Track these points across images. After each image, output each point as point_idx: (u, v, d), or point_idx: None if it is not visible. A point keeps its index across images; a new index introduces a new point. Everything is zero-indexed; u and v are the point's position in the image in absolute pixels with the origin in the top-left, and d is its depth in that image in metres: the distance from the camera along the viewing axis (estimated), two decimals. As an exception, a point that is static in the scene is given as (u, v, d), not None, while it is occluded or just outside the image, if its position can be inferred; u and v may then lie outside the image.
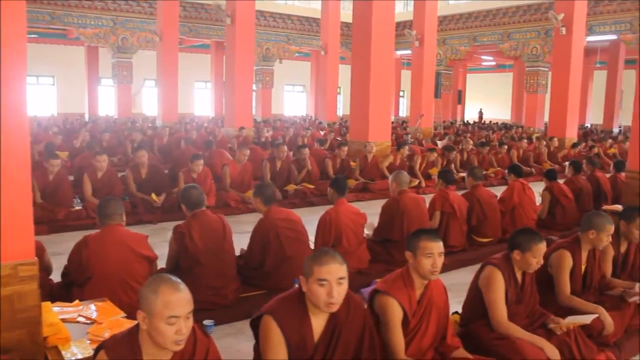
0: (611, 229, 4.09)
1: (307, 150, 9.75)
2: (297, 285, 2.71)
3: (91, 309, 3.34)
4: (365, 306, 3.10)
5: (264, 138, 14.37)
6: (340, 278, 2.57)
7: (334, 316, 2.67)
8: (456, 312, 3.91)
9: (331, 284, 2.54)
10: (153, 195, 7.74)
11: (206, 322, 4.10)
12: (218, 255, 4.43)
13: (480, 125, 26.95)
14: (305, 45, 26.50)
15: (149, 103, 28.81)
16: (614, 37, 20.58)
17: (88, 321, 3.17)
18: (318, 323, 2.67)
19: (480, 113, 32.53)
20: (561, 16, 15.73)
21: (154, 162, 8.89)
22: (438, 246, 3.05)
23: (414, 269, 3.06)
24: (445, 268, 5.69)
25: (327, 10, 21.73)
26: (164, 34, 18.59)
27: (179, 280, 2.30)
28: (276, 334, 2.57)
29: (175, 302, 2.21)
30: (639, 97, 7.50)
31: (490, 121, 30.81)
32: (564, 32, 16.19)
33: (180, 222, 4.56)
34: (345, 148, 10.50)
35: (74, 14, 20.37)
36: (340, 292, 2.57)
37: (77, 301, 3.48)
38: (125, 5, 21.31)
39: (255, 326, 2.70)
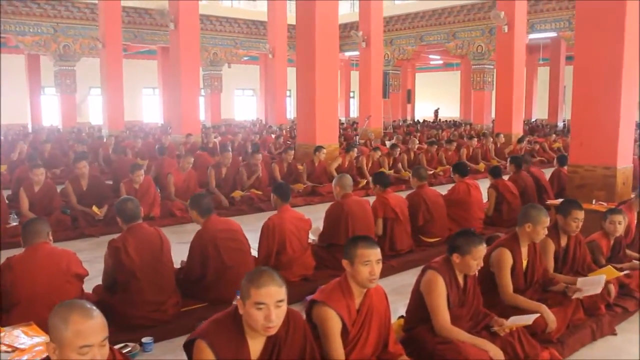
0: (547, 221, 4.10)
1: (260, 156, 9.65)
2: (238, 297, 2.56)
3: (14, 334, 3.14)
4: (304, 316, 3.02)
5: (211, 144, 14.14)
6: (279, 301, 2.44)
7: (272, 336, 2.55)
8: (402, 316, 3.86)
9: (269, 307, 2.41)
10: (94, 208, 7.49)
11: (145, 339, 3.96)
12: (156, 270, 4.26)
13: (430, 124, 27.23)
14: (253, 49, 26.32)
15: (95, 112, 28.11)
16: (554, 34, 21.11)
17: (9, 349, 2.98)
18: (256, 345, 2.55)
19: (436, 112, 32.87)
20: (502, 14, 16.01)
21: (95, 173, 8.61)
22: (375, 253, 2.98)
23: (352, 277, 2.98)
24: (393, 270, 5.72)
25: (273, 13, 21.60)
26: (106, 40, 18.14)
27: (90, 305, 2.15)
28: (209, 358, 2.44)
29: (87, 330, 2.06)
30: (576, 92, 7.62)
31: (444, 120, 31.17)
32: (506, 30, 16.50)
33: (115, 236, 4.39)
34: (292, 152, 10.40)
35: (11, 21, 19.62)
36: (279, 314, 2.45)
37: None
38: (65, 12, 20.69)
39: (190, 349, 2.56)
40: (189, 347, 2.56)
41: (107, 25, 18.14)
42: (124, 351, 3.73)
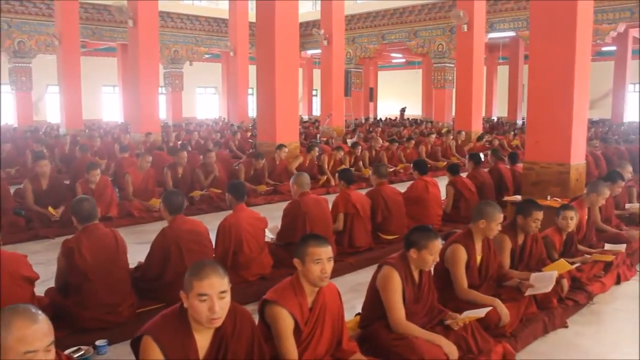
0: (500, 217, 4.18)
1: (213, 154, 9.54)
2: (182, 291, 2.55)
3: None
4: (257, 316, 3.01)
5: (172, 143, 13.97)
6: (222, 292, 2.45)
7: (219, 331, 2.55)
8: (359, 314, 3.88)
9: (212, 298, 2.42)
10: (50, 209, 7.33)
11: (99, 342, 3.90)
12: (110, 271, 4.18)
13: (392, 121, 27.41)
14: (215, 46, 26.11)
15: (53, 110, 27.49)
16: (513, 34, 21.47)
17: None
18: (203, 340, 2.54)
19: (402, 111, 33.09)
20: (462, 13, 16.22)
21: (54, 174, 8.42)
22: (327, 251, 2.98)
23: (304, 275, 2.98)
24: (352, 267, 5.75)
25: (234, 11, 21.45)
26: (63, 36, 17.71)
27: (35, 309, 2.10)
28: (156, 355, 2.42)
29: (31, 335, 2.01)
30: (531, 92, 7.77)
31: (407, 118, 31.40)
32: (465, 30, 16.76)
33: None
34: (262, 161, 9.95)
35: (-38, 17, 19.08)
36: (222, 306, 2.45)
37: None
38: (20, 7, 20.14)
39: (137, 347, 2.53)
40: (136, 345, 2.54)
41: (63, 22, 17.71)
42: (77, 355, 3.67)
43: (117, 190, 8.48)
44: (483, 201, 4.51)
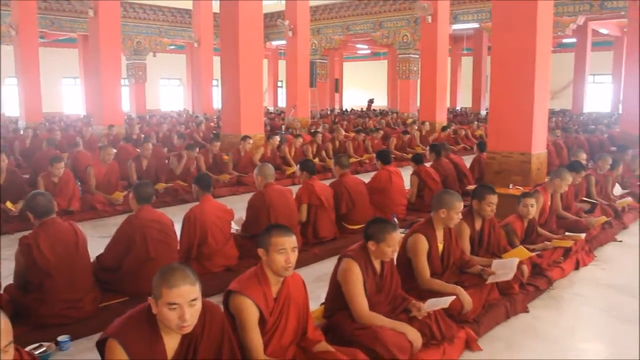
0: (460, 206, 4.24)
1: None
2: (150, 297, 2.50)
3: None
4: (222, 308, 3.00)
5: (135, 135, 13.78)
6: (193, 300, 2.38)
7: (188, 333, 2.48)
8: (324, 303, 3.89)
9: (182, 307, 2.35)
10: (8, 204, 7.17)
11: (61, 338, 3.84)
12: (70, 266, 4.11)
13: (358, 112, 27.49)
14: (179, 37, 25.77)
15: (10, 103, 26.79)
16: (476, 25, 21.70)
17: None
18: (171, 341, 2.49)
19: (370, 102, 33.19)
20: (426, 4, 16.34)
21: (12, 168, 8.22)
22: (291, 241, 2.97)
23: (268, 266, 2.97)
24: (317, 258, 5.77)
25: (198, 1, 21.23)
26: (20, 27, 17.20)
27: None
28: (121, 358, 2.37)
29: None
30: (493, 82, 7.87)
31: (374, 109, 31.49)
32: (429, 21, 16.89)
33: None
34: (218, 143, 10.25)
35: None
36: (193, 313, 2.39)
37: None
38: (-27, -4, 19.58)
39: (102, 348, 2.47)
40: (101, 346, 2.47)
41: (20, 11, 17.19)
42: (38, 352, 3.60)
43: (79, 183, 8.34)
44: (443, 190, 4.56)
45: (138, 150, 9.80)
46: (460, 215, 4.27)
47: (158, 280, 2.39)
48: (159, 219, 4.74)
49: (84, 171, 8.51)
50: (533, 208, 5.36)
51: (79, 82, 27.27)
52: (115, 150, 8.80)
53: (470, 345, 3.73)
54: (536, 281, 4.80)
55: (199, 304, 2.42)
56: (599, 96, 30.07)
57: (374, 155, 11.97)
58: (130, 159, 9.05)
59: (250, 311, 2.88)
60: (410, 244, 4.17)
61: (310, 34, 20.80)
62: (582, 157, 7.96)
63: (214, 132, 13.94)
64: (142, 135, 14.25)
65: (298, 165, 6.53)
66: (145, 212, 4.66)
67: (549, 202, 6.03)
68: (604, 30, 24.69)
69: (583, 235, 5.78)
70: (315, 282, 5.03)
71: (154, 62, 27.07)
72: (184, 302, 2.35)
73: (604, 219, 6.54)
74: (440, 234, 4.27)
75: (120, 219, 4.80)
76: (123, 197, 7.84)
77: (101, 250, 4.81)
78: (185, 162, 9.30)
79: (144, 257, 4.50)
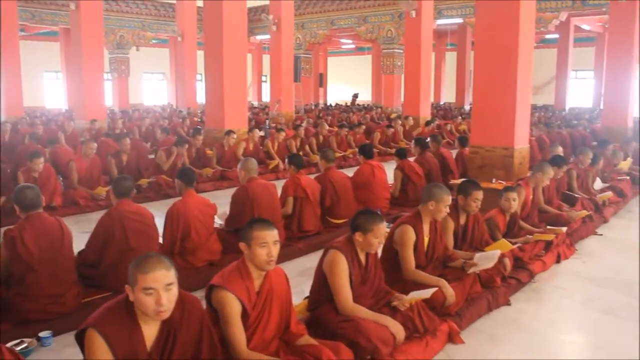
0: (449, 199, 4.28)
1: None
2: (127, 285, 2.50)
3: None
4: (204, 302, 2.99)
5: (118, 130, 13.66)
6: (168, 284, 2.40)
7: (167, 320, 2.51)
8: (308, 297, 3.90)
9: (158, 292, 2.37)
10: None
11: (42, 334, 3.81)
12: (55, 261, 4.08)
13: (342, 107, 27.51)
14: (162, 31, 25.59)
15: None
16: (460, 20, 21.77)
17: None
18: (150, 330, 2.50)
19: (355, 97, 33.22)
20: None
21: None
22: (272, 235, 2.97)
23: (250, 260, 2.97)
24: (301, 252, 5.78)
25: (182, -5, 21.09)
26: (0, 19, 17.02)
27: None
28: (102, 349, 2.37)
29: None
30: (477, 78, 7.91)
31: (359, 104, 31.52)
32: (414, 16, 16.93)
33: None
34: (200, 137, 10.22)
35: None
36: (169, 298, 2.41)
37: None
38: (-48, -12, 19.25)
39: (82, 340, 2.47)
40: (80, 338, 2.48)
41: (1, 4, 17.00)
42: (19, 347, 3.58)
43: (61, 179, 8.27)
44: (432, 183, 4.60)
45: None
46: (448, 209, 4.31)
47: (133, 268, 2.42)
48: (138, 211, 4.74)
49: (65, 166, 8.43)
50: (515, 202, 5.41)
51: (61, 76, 27.00)
52: (96, 145, 8.72)
53: (452, 338, 3.76)
54: (518, 274, 4.85)
55: (175, 289, 2.45)
56: (581, 92, 30.34)
57: (357, 149, 12.07)
58: (109, 154, 8.97)
59: (232, 305, 2.88)
60: (398, 234, 4.19)
61: (295, 28, 20.74)
62: (559, 151, 8.06)
63: (197, 126, 13.86)
64: (125, 130, 14.14)
65: (286, 159, 6.53)
66: (124, 204, 4.66)
67: (531, 196, 6.08)
68: (586, 27, 24.90)
69: (564, 229, 5.84)
70: (299, 277, 5.03)
71: (137, 56, 26.85)
72: (159, 287, 2.38)
73: (584, 212, 6.61)
74: (426, 227, 4.30)
75: (102, 214, 4.77)
76: (106, 192, 7.78)
77: (84, 246, 4.79)
78: (175, 157, 9.25)
79: (124, 247, 4.48)
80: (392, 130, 14.22)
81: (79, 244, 4.77)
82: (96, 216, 7.19)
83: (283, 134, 11.46)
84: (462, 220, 4.88)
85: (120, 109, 22.68)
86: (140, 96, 31.83)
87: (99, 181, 8.28)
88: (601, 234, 6.67)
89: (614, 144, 9.85)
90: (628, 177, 9.03)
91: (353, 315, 3.39)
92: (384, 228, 3.54)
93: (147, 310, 2.40)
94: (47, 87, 29.98)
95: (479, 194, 4.76)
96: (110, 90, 23.86)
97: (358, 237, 3.52)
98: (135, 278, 2.39)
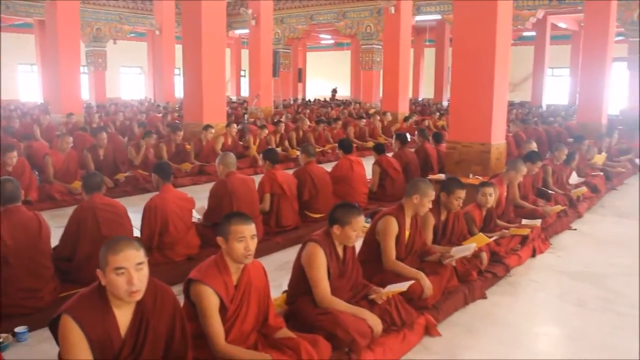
0: (432, 194, 4.33)
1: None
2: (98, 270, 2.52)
3: None
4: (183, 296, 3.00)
5: (95, 124, 13.51)
6: (139, 263, 2.45)
7: (140, 306, 2.55)
8: (286, 291, 3.91)
9: (130, 271, 2.41)
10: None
11: (18, 329, 3.78)
12: (31, 256, 4.04)
13: (321, 102, 27.52)
14: (140, 24, 25.30)
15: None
16: (438, 17, 21.86)
17: None
18: (123, 316, 2.53)
19: (334, 92, 33.21)
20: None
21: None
22: (250, 229, 2.98)
23: (228, 254, 2.98)
24: (279, 246, 5.79)
25: (159, -12, 20.88)
26: (-27, 12, 16.77)
27: None
28: (75, 333, 2.39)
29: None
30: (455, 74, 7.98)
31: (338, 99, 31.54)
32: (393, 12, 16.98)
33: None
34: (181, 133, 10.14)
35: None
36: (141, 278, 2.45)
37: None
38: None
39: (55, 328, 2.48)
40: (54, 326, 2.49)
41: (-27, -4, 16.76)
42: (-6, 343, 3.55)
43: (36, 173, 8.17)
44: (418, 178, 4.66)
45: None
46: (431, 204, 4.35)
47: (104, 251, 2.46)
48: (110, 203, 4.74)
49: (41, 160, 8.33)
50: (492, 197, 5.48)
51: (36, 69, 26.58)
52: (72, 139, 8.63)
53: (429, 330, 3.80)
54: (494, 268, 4.92)
55: (145, 270, 2.49)
56: (557, 89, 30.70)
57: (336, 144, 12.08)
58: (85, 149, 8.87)
59: (210, 299, 2.89)
60: (381, 225, 4.23)
61: (274, 23, 20.70)
62: (533, 147, 8.18)
63: (174, 122, 13.76)
64: (102, 124, 14.00)
65: (261, 155, 6.52)
66: (96, 198, 4.63)
67: (505, 194, 6.16)
68: (562, 25, 25.17)
69: (539, 222, 5.93)
70: (278, 271, 5.05)
71: (114, 50, 26.53)
72: (130, 266, 2.42)
73: (559, 207, 6.72)
74: (408, 221, 4.34)
75: (79, 209, 4.73)
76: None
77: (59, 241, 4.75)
78: (144, 150, 9.19)
79: (97, 237, 4.43)
80: (364, 121, 14.21)
81: (55, 238, 4.72)
82: (72, 211, 7.18)
83: (266, 131, 11.43)
84: (443, 217, 4.93)
85: (97, 103, 22.40)
86: (118, 90, 31.50)
87: (76, 175, 8.18)
88: (575, 229, 6.77)
89: (588, 140, 10.00)
90: (602, 173, 9.20)
91: (331, 308, 3.41)
92: (361, 221, 3.57)
93: (119, 292, 2.43)
94: (21, 80, 29.49)
95: (462, 193, 4.81)
96: (87, 83, 23.58)
97: (336, 230, 3.54)
98: (106, 259, 2.42)
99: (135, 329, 2.54)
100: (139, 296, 2.46)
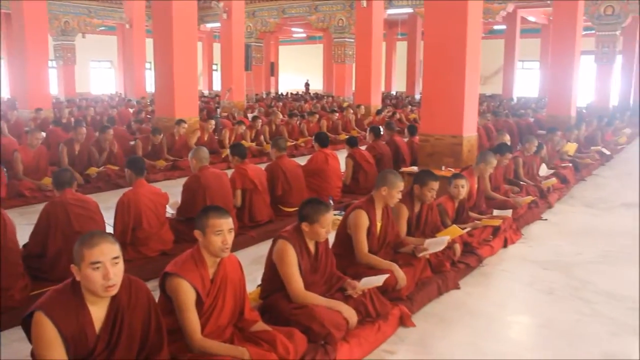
0: (401, 185, 4.35)
1: (111, 132, 9.20)
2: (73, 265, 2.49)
3: None
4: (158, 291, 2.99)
5: (65, 119, 13.32)
6: (115, 257, 2.43)
7: (115, 302, 2.52)
8: (260, 285, 3.91)
9: (105, 265, 2.39)
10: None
11: (-13, 328, 3.72)
12: (-3, 254, 3.98)
13: (293, 96, 27.49)
14: (109, 18, 24.92)
15: None
16: (410, 10, 21.95)
17: None
18: (98, 312, 2.50)
19: (307, 85, 33.15)
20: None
21: None
22: (227, 222, 2.99)
23: (205, 247, 2.98)
24: (253, 240, 5.78)
25: (129, -19, 20.61)
26: None
27: None
28: (49, 330, 2.36)
29: None
30: (426, 67, 8.04)
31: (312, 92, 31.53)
32: (365, 5, 17.02)
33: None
34: (160, 136, 9.72)
35: None
36: (117, 272, 2.43)
37: None
38: None
39: (28, 326, 2.44)
40: (27, 324, 2.45)
41: None
42: (-36, 342, 3.49)
43: (5, 169, 8.01)
44: (386, 170, 4.65)
45: (69, 134, 9.47)
46: (400, 195, 4.38)
47: (79, 246, 2.43)
48: (82, 199, 4.68)
49: (9, 156, 8.17)
50: (464, 189, 5.54)
51: (2, 63, 26.02)
52: (43, 134, 8.48)
53: (404, 321, 3.84)
54: (467, 259, 4.98)
55: (121, 264, 2.47)
56: (528, 81, 31.12)
57: (309, 138, 12.10)
58: (61, 143, 8.73)
59: (187, 293, 2.88)
60: (352, 219, 4.25)
61: (246, 16, 20.59)
62: (506, 139, 8.29)
63: (137, 119, 13.58)
64: (72, 119, 13.80)
65: (228, 150, 6.48)
66: (67, 194, 4.57)
67: (476, 186, 6.23)
68: (531, 18, 25.50)
69: (510, 212, 6.02)
70: (252, 265, 5.05)
71: (83, 44, 26.12)
72: (106, 260, 2.40)
73: (530, 198, 6.82)
74: (379, 213, 4.37)
75: (50, 206, 4.66)
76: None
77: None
78: (108, 145, 9.06)
79: (69, 232, 4.37)
80: (336, 115, 14.27)
81: (25, 236, 4.66)
82: (42, 207, 7.07)
83: (243, 127, 11.37)
84: (417, 209, 4.96)
85: (67, 98, 22.04)
86: (88, 85, 31.09)
87: (46, 171, 8.05)
88: (546, 219, 6.89)
89: (559, 131, 10.17)
90: (571, 165, 9.36)
91: (306, 303, 3.42)
92: (330, 218, 3.57)
93: (95, 287, 2.40)
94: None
95: (435, 185, 4.84)
96: (55, 78, 23.19)
97: (305, 227, 3.55)
98: (82, 254, 2.39)
99: (110, 325, 2.52)
100: (114, 290, 2.45)
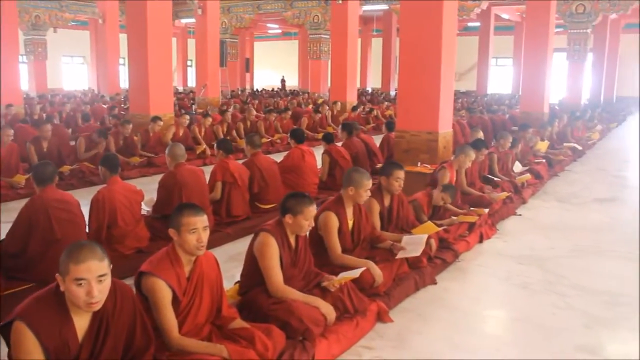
0: (369, 184, 4.33)
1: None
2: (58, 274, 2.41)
3: None
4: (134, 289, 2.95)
5: (36, 115, 13.09)
6: (101, 276, 2.34)
7: (100, 310, 2.44)
8: (239, 282, 3.90)
9: (90, 283, 2.31)
10: None
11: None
12: (-30, 252, 3.91)
13: (269, 92, 27.41)
14: (82, 12, 24.50)
15: None
16: (385, 7, 22.01)
17: None
18: (82, 321, 2.43)
19: (283, 81, 33.05)
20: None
21: None
22: (202, 220, 2.96)
23: (180, 246, 2.95)
24: (230, 237, 5.76)
25: (102, -25, 20.30)
26: None
27: None
28: (29, 340, 2.29)
29: None
30: (402, 64, 8.07)
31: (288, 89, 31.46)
32: (340, 2, 17.02)
33: None
34: (130, 126, 9.80)
35: None
36: (101, 290, 2.35)
37: None
38: None
39: (7, 333, 2.37)
40: (6, 331, 2.37)
41: None
42: None
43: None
44: (353, 168, 4.63)
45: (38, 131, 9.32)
46: (368, 193, 4.37)
47: (65, 257, 2.34)
48: (64, 199, 4.57)
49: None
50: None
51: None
52: (13, 131, 8.33)
53: (381, 317, 3.85)
54: (443, 254, 5.01)
55: (108, 281, 2.39)
56: (501, 78, 31.45)
57: (285, 134, 12.06)
58: (28, 141, 8.59)
59: (163, 292, 2.85)
60: (321, 221, 4.23)
61: (221, 12, 20.45)
62: (480, 135, 8.37)
63: (120, 113, 13.44)
64: (44, 115, 13.58)
65: (214, 144, 6.45)
66: (48, 192, 4.48)
67: (455, 178, 6.28)
68: (505, 16, 25.78)
69: (486, 210, 6.08)
70: (229, 262, 5.02)
71: (55, 38, 25.69)
72: (91, 278, 2.31)
73: (505, 194, 6.90)
74: (350, 211, 4.37)
75: (23, 203, 4.57)
76: (25, 180, 7.45)
77: (3, 237, 4.59)
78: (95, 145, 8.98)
79: (49, 238, 4.32)
80: (319, 115, 14.27)
81: (-3, 233, 4.59)
82: (16, 205, 6.90)
83: (209, 119, 11.32)
84: (387, 202, 4.95)
85: (38, 94, 21.67)
86: (60, 80, 30.60)
87: (18, 169, 7.92)
88: (520, 214, 6.97)
89: (532, 129, 10.29)
90: (544, 160, 9.48)
91: (284, 297, 3.42)
92: (313, 210, 3.59)
93: (77, 302, 2.33)
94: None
95: (400, 173, 4.81)
96: (26, 73, 22.79)
97: (288, 219, 3.55)
98: (67, 268, 2.31)
99: (94, 334, 2.46)
100: (98, 307, 2.37)
